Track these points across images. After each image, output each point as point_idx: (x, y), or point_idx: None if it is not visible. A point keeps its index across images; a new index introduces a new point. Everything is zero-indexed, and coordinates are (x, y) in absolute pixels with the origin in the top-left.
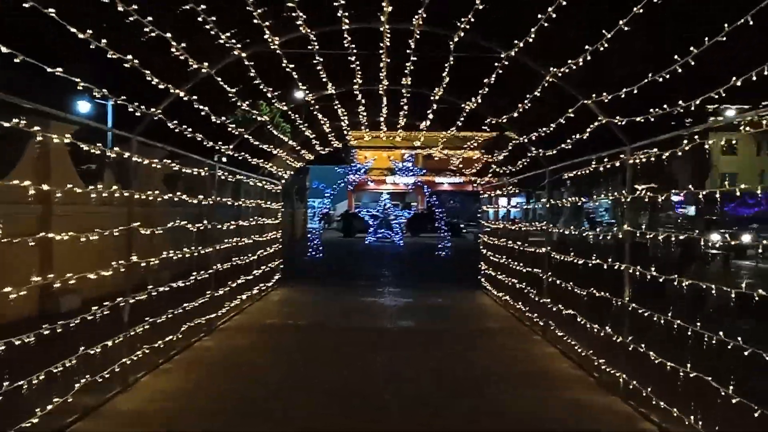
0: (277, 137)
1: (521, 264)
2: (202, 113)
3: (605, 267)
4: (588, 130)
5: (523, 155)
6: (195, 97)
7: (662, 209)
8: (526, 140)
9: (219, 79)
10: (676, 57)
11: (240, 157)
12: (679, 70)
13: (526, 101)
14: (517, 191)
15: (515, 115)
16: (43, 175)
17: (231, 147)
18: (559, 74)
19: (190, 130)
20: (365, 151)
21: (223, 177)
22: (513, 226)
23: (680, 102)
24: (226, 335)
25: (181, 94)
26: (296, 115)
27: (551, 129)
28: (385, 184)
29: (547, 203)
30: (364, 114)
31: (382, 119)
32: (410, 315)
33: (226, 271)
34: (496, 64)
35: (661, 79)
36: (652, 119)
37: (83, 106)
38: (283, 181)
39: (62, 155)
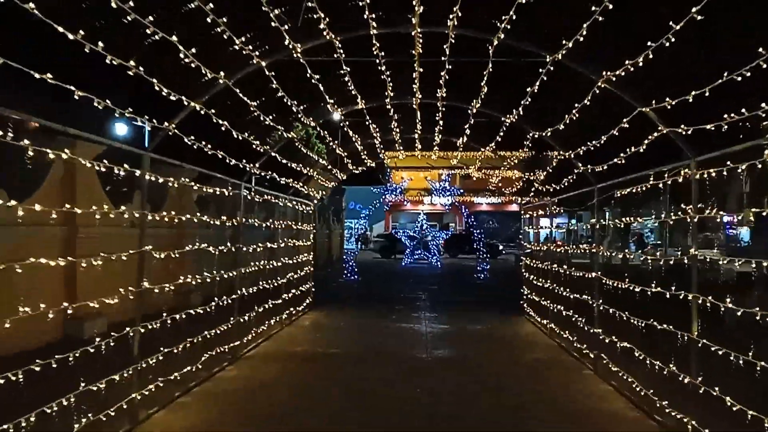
0: (309, 156)
1: (568, 289)
2: (228, 130)
3: (666, 295)
4: (646, 141)
5: (567, 172)
6: (213, 111)
7: (710, 230)
8: (572, 155)
9: (237, 90)
10: (761, 50)
11: (268, 177)
12: (764, 66)
13: (573, 111)
14: (560, 211)
15: (561, 127)
16: (67, 196)
17: (257, 165)
18: (613, 78)
19: (209, 146)
20: (401, 172)
21: (249, 197)
22: (558, 248)
23: (764, 105)
24: (250, 365)
25: (197, 107)
26: (325, 132)
27: (601, 142)
28: (422, 204)
29: (596, 224)
30: (398, 130)
31: (416, 136)
32: (447, 343)
33: (254, 295)
34: (540, 70)
35: (739, 78)
36: (720, 127)
37: (120, 129)
38: (315, 202)
39: (89, 176)
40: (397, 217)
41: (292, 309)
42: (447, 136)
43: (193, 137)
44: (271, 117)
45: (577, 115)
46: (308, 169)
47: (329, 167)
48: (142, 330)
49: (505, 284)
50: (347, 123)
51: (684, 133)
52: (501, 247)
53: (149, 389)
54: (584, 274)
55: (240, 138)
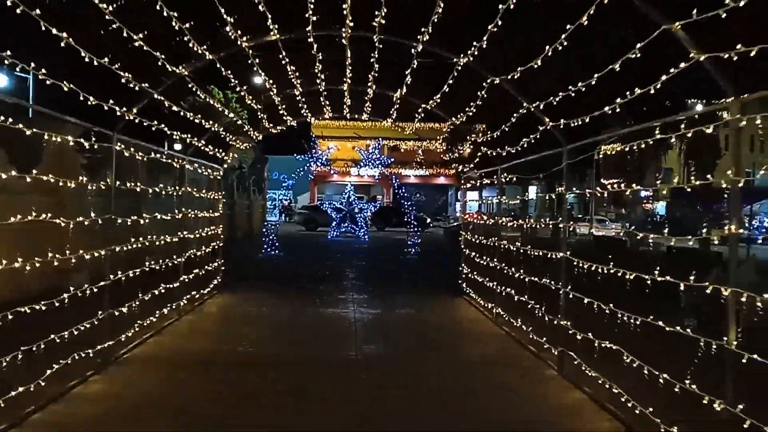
0: (211, 107)
1: (521, 269)
2: (72, 49)
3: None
4: (663, 77)
5: (527, 132)
6: (36, 12)
7: (628, 205)
8: (540, 106)
9: None
10: None
11: (153, 129)
12: None
13: (562, 38)
14: (512, 180)
15: (538, 63)
16: None
17: (134, 111)
18: None
19: (43, 73)
20: (328, 141)
21: (127, 154)
22: (510, 223)
23: None
24: (125, 373)
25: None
26: (229, 72)
27: (592, 82)
28: (350, 176)
29: (566, 194)
30: (323, 76)
31: (345, 87)
32: (379, 335)
33: (140, 277)
34: None
35: None
36: None
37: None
38: (225, 166)
39: None
40: (324, 188)
41: (194, 293)
42: (382, 89)
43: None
44: (141, 36)
45: (562, 45)
46: (211, 124)
47: (237, 121)
48: None
49: (437, 260)
50: (256, 60)
51: (730, 57)
52: (429, 220)
53: None
54: (548, 253)
55: (94, 62)
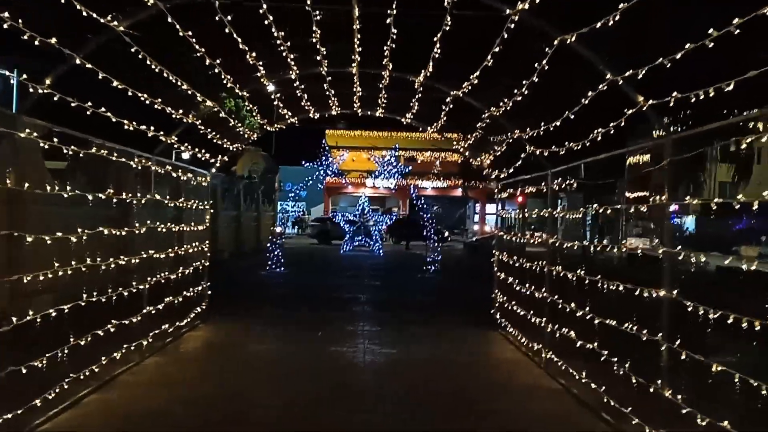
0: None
1: (586, 306)
2: None
3: None
4: None
5: (592, 125)
6: None
7: (649, 220)
8: (637, 76)
9: None
10: None
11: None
12: None
13: None
14: (573, 187)
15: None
16: None
17: (47, 83)
18: None
19: None
20: (342, 152)
21: (45, 145)
22: (565, 243)
23: None
24: None
25: None
26: (193, 40)
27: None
28: (365, 187)
29: (669, 204)
30: (324, 52)
31: (353, 69)
32: (393, 389)
33: (82, 309)
34: None
35: None
36: None
37: None
38: (213, 171)
39: None
40: (338, 200)
41: (167, 326)
42: (401, 71)
43: None
44: None
45: None
46: (182, 114)
47: (221, 114)
48: None
49: (460, 279)
50: (227, 18)
51: None
52: (447, 234)
53: None
54: (645, 292)
55: None
